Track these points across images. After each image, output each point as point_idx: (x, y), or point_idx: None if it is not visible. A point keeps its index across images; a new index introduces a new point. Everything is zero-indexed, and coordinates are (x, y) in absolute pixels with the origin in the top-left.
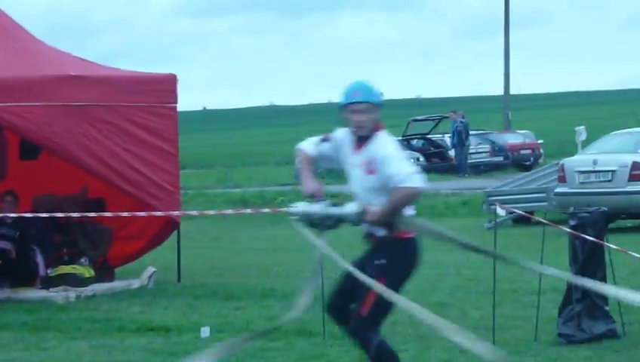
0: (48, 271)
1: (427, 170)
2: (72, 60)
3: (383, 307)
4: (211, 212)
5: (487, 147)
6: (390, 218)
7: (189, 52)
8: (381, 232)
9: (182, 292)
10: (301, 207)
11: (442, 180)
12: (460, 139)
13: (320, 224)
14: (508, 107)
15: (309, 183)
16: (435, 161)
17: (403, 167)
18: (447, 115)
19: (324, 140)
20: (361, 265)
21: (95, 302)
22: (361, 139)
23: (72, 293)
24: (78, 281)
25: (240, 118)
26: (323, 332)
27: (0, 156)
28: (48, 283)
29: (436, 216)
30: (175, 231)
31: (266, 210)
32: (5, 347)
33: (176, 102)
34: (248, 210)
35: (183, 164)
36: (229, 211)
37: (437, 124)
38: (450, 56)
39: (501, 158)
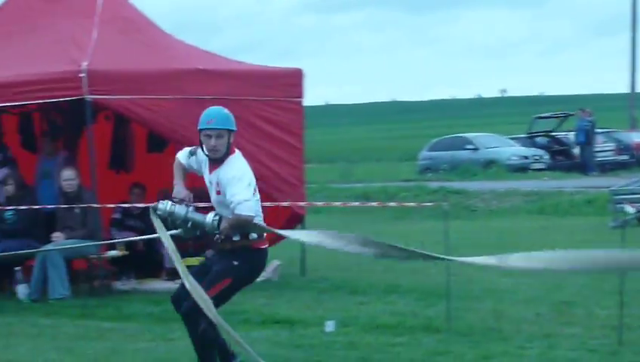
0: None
1: (552, 167)
2: (199, 54)
3: (217, 302)
4: (337, 203)
5: (612, 145)
6: (236, 232)
7: (311, 47)
8: (237, 237)
9: (306, 285)
10: (168, 206)
11: (567, 178)
12: (587, 137)
13: (181, 226)
14: (633, 105)
15: (180, 189)
16: (559, 158)
17: (237, 195)
18: (572, 113)
19: (192, 154)
20: (210, 262)
21: None
22: (215, 161)
23: None
24: None
25: (362, 113)
26: (449, 329)
27: (128, 148)
28: (174, 274)
29: (561, 215)
30: (299, 225)
31: (393, 203)
32: (132, 337)
33: (302, 96)
34: (374, 203)
35: (305, 159)
36: (355, 203)
37: (562, 122)
38: (574, 53)
39: (627, 157)
